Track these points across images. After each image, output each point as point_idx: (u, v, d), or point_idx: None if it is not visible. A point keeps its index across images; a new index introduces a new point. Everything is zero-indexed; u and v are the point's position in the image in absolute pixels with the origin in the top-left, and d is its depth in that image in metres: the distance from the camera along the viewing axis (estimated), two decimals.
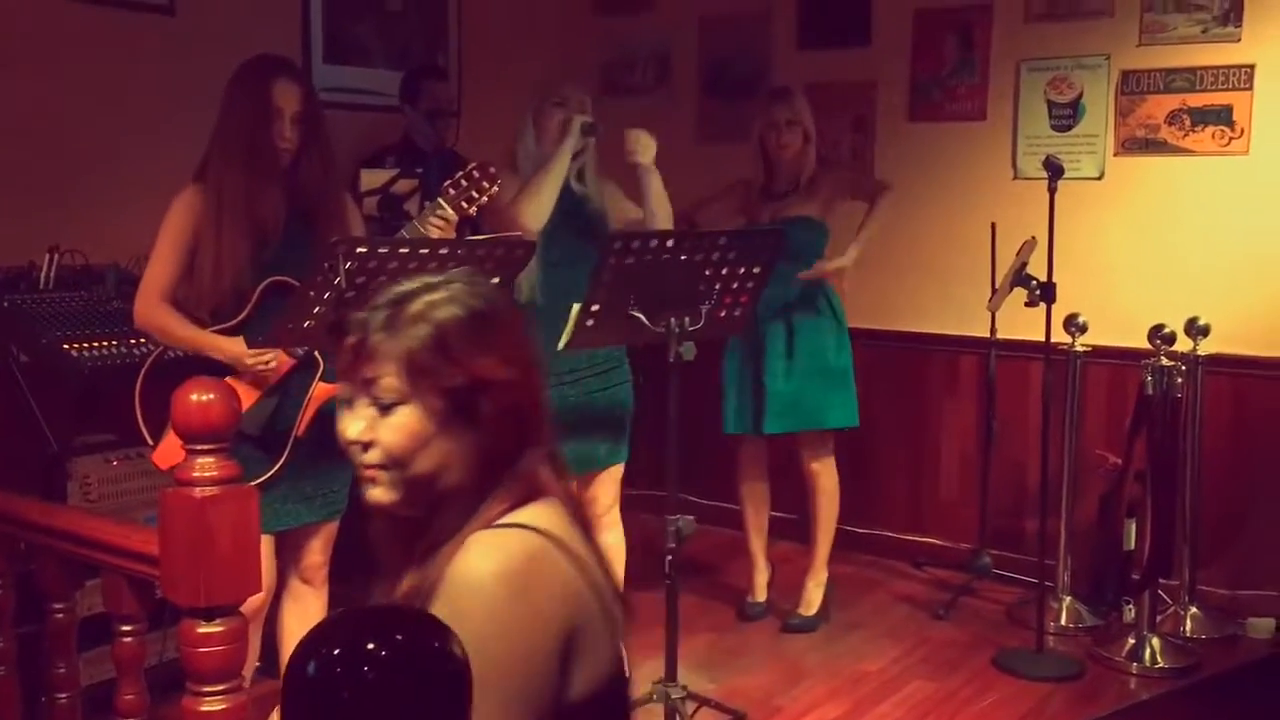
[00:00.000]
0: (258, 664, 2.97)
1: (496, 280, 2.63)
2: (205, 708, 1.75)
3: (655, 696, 3.10)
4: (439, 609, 1.30)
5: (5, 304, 3.13)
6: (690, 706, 3.15)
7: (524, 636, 1.32)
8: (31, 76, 3.47)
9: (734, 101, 5.08)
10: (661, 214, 3.35)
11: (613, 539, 3.46)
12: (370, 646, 0.92)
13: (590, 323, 2.86)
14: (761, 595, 4.20)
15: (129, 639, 1.97)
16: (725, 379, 4.01)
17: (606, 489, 3.45)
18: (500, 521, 1.40)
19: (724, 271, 2.94)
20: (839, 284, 3.98)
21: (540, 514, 1.43)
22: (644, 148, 3.38)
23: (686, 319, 2.93)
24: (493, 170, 2.83)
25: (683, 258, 2.85)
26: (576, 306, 2.85)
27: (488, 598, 1.32)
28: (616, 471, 3.46)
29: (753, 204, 3.97)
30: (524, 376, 1.47)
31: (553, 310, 3.07)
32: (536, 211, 3.15)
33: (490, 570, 1.34)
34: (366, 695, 0.89)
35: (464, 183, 2.79)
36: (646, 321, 2.89)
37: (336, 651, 0.92)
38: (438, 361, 1.40)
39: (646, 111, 5.23)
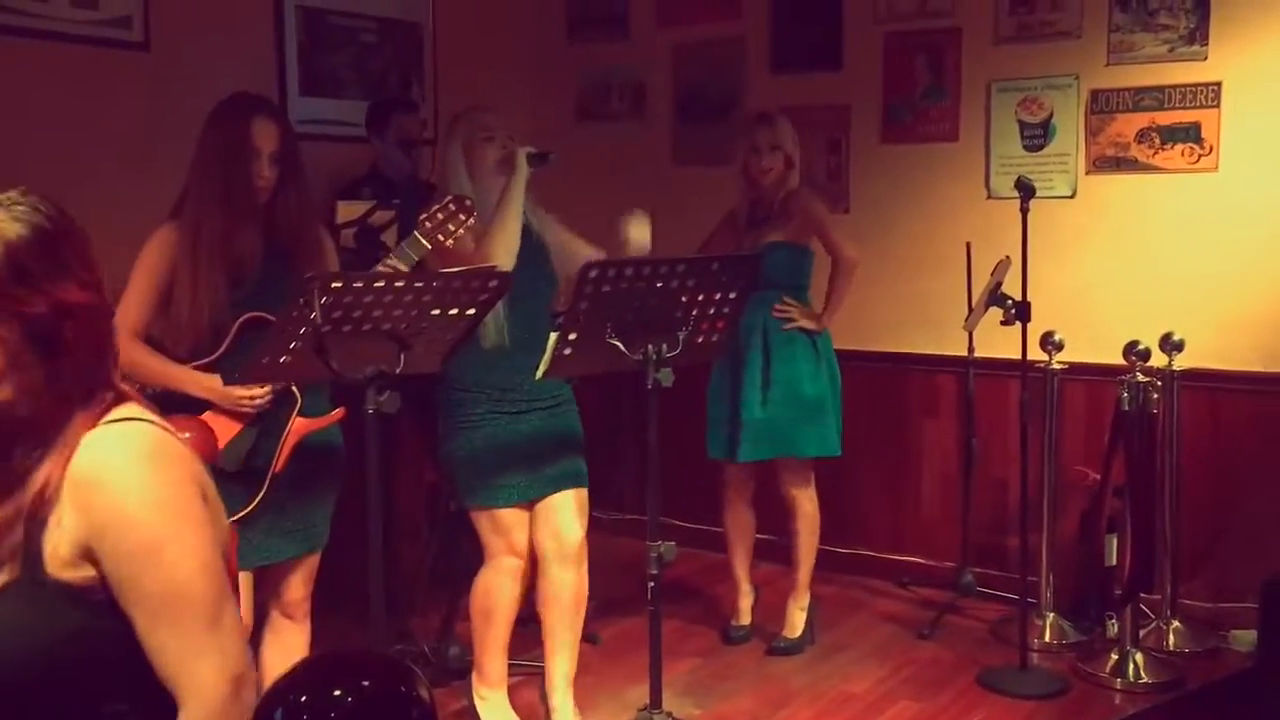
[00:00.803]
0: None
1: (472, 313, 2.65)
2: None
3: None
4: (76, 514, 1.35)
5: None
6: None
7: (182, 491, 1.40)
8: (6, 113, 3.47)
9: (709, 126, 5.12)
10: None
11: (581, 574, 3.34)
12: (337, 694, 0.92)
13: (568, 351, 2.86)
14: (746, 619, 4.21)
15: None
16: (710, 405, 4.03)
17: (575, 515, 3.32)
18: (106, 420, 1.43)
19: (700, 297, 2.94)
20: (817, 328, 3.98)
21: (136, 410, 1.46)
22: (638, 239, 3.27)
23: (664, 345, 2.93)
24: (468, 203, 2.83)
25: (659, 285, 2.86)
26: (554, 336, 2.85)
27: (137, 475, 1.38)
28: (580, 498, 3.34)
29: (738, 233, 3.99)
30: (100, 298, 1.48)
31: (520, 345, 3.07)
32: (507, 250, 3.09)
33: (126, 453, 1.39)
34: None
35: (439, 215, 2.80)
36: (624, 349, 2.89)
37: (304, 699, 0.92)
38: (13, 289, 1.37)
39: (622, 138, 5.29)
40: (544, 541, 3.34)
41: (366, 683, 0.96)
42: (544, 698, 3.43)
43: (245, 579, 2.64)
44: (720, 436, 4.01)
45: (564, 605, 3.33)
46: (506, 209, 3.14)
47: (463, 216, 2.81)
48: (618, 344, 2.88)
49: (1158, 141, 4.20)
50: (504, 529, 3.29)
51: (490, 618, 3.35)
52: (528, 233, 3.27)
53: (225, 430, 2.62)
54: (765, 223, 3.95)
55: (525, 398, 3.25)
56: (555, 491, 3.32)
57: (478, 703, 3.42)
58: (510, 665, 3.46)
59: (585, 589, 3.38)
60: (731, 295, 3.00)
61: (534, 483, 3.29)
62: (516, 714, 3.43)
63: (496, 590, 3.33)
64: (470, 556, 4.21)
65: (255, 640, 2.87)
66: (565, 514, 3.32)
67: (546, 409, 3.31)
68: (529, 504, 3.32)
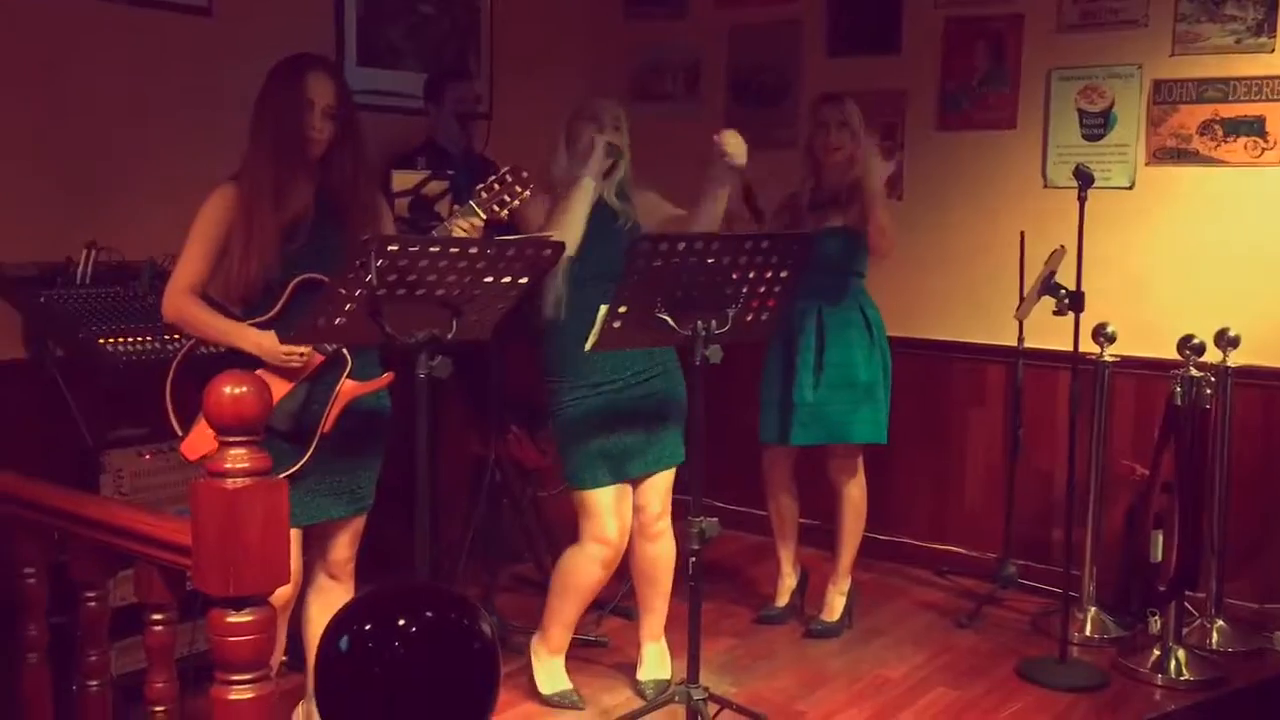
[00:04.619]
0: (283, 658, 3.00)
1: (524, 281, 2.66)
2: (234, 696, 1.76)
3: (677, 698, 3.12)
4: None
5: (42, 299, 3.19)
6: (712, 708, 3.15)
7: None
8: (70, 76, 3.53)
9: (763, 109, 5.09)
10: (705, 221, 3.26)
11: (662, 548, 3.48)
12: (401, 623, 0.94)
13: (617, 324, 2.87)
14: (782, 601, 4.20)
15: (160, 628, 2.00)
16: (764, 388, 4.01)
17: (658, 492, 3.42)
18: None
19: (751, 275, 2.94)
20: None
21: None
22: (739, 151, 3.23)
23: (713, 322, 2.93)
24: (525, 174, 2.84)
25: (710, 261, 2.86)
26: (604, 308, 2.87)
27: None
28: (667, 477, 3.43)
29: (799, 215, 3.95)
30: None
31: (577, 326, 3.08)
32: (569, 235, 3.12)
33: None
34: (397, 670, 0.90)
35: (496, 186, 2.81)
36: (673, 324, 2.90)
37: (368, 627, 0.94)
38: None
39: (676, 118, 5.27)
40: (634, 517, 3.42)
41: (430, 613, 0.98)
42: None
43: (295, 536, 2.67)
44: (771, 420, 3.99)
45: (647, 576, 3.51)
46: (574, 195, 3.19)
47: (519, 188, 2.82)
48: (667, 319, 2.89)
49: (1220, 134, 4.13)
50: (590, 512, 3.32)
51: (566, 595, 3.42)
52: (613, 220, 3.29)
53: (278, 388, 2.65)
54: (829, 205, 3.89)
55: (613, 375, 3.28)
56: (655, 471, 3.38)
57: (535, 663, 3.49)
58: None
59: (671, 557, 3.49)
60: (783, 274, 3.00)
61: (629, 464, 3.33)
62: (569, 680, 3.49)
63: (579, 572, 3.38)
64: (511, 528, 4.25)
65: (301, 598, 2.91)
66: (651, 493, 3.41)
67: (639, 383, 3.32)
68: (626, 483, 3.36)
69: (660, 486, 3.43)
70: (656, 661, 3.57)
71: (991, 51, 4.57)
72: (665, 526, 3.46)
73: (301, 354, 2.68)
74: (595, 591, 3.46)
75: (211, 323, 2.70)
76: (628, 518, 3.37)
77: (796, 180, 3.99)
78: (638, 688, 3.54)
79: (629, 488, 3.38)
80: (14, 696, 2.36)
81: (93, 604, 2.17)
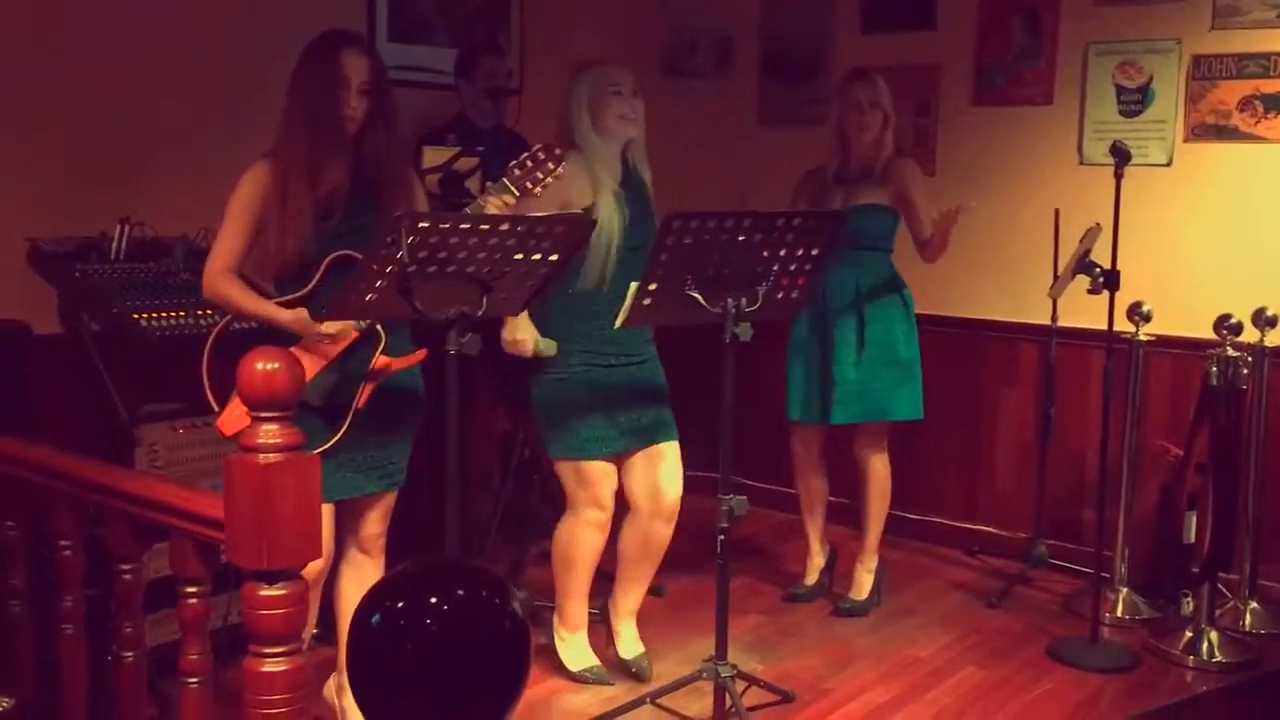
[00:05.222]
0: (314, 630, 3.03)
1: (555, 258, 2.66)
2: (266, 668, 1.79)
3: (705, 674, 3.12)
4: None
5: (77, 274, 3.21)
6: (739, 686, 3.16)
7: None
8: (104, 54, 3.54)
9: (795, 85, 5.05)
10: None
11: (671, 529, 3.44)
12: (433, 601, 0.95)
13: (647, 301, 2.87)
14: (810, 579, 4.20)
15: (194, 600, 2.03)
16: (791, 367, 3.97)
17: (672, 471, 3.39)
18: None
19: (782, 253, 2.93)
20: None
21: None
22: None
23: (744, 300, 2.92)
24: (558, 152, 2.83)
25: (740, 238, 2.85)
26: (634, 285, 2.86)
27: None
28: (675, 451, 3.40)
29: (826, 190, 3.91)
30: None
31: (619, 297, 3.07)
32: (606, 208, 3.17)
33: None
34: (428, 647, 0.91)
35: (529, 164, 2.80)
36: (704, 302, 2.89)
37: (400, 605, 0.94)
38: None
39: (708, 94, 5.25)
40: (640, 496, 3.41)
41: (461, 591, 0.98)
42: (608, 622, 3.56)
43: (327, 511, 2.69)
44: (807, 399, 3.94)
45: (648, 554, 3.47)
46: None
47: (551, 165, 2.81)
48: (697, 296, 2.89)
49: (1261, 110, 4.07)
50: (589, 481, 3.32)
51: (572, 567, 3.42)
52: (643, 188, 3.29)
53: (311, 365, 2.67)
54: (861, 181, 3.86)
55: (616, 351, 3.27)
56: (649, 445, 3.35)
57: (559, 644, 3.50)
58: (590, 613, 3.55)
59: (668, 541, 3.46)
60: (814, 252, 2.98)
61: (624, 435, 3.32)
62: (595, 655, 3.50)
63: (579, 541, 3.38)
64: (540, 505, 4.27)
65: (333, 572, 2.94)
66: (663, 470, 3.38)
67: (635, 364, 3.33)
68: (617, 457, 3.35)
69: (674, 468, 3.39)
70: (633, 638, 3.55)
71: (1028, 26, 4.51)
72: (678, 510, 3.44)
73: (333, 333, 2.69)
74: (598, 558, 3.45)
75: (248, 303, 2.73)
76: (615, 484, 3.37)
77: (824, 155, 3.95)
78: (626, 668, 3.50)
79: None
80: (51, 667, 2.39)
81: (128, 577, 2.20)
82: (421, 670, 0.92)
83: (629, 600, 3.54)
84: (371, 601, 0.98)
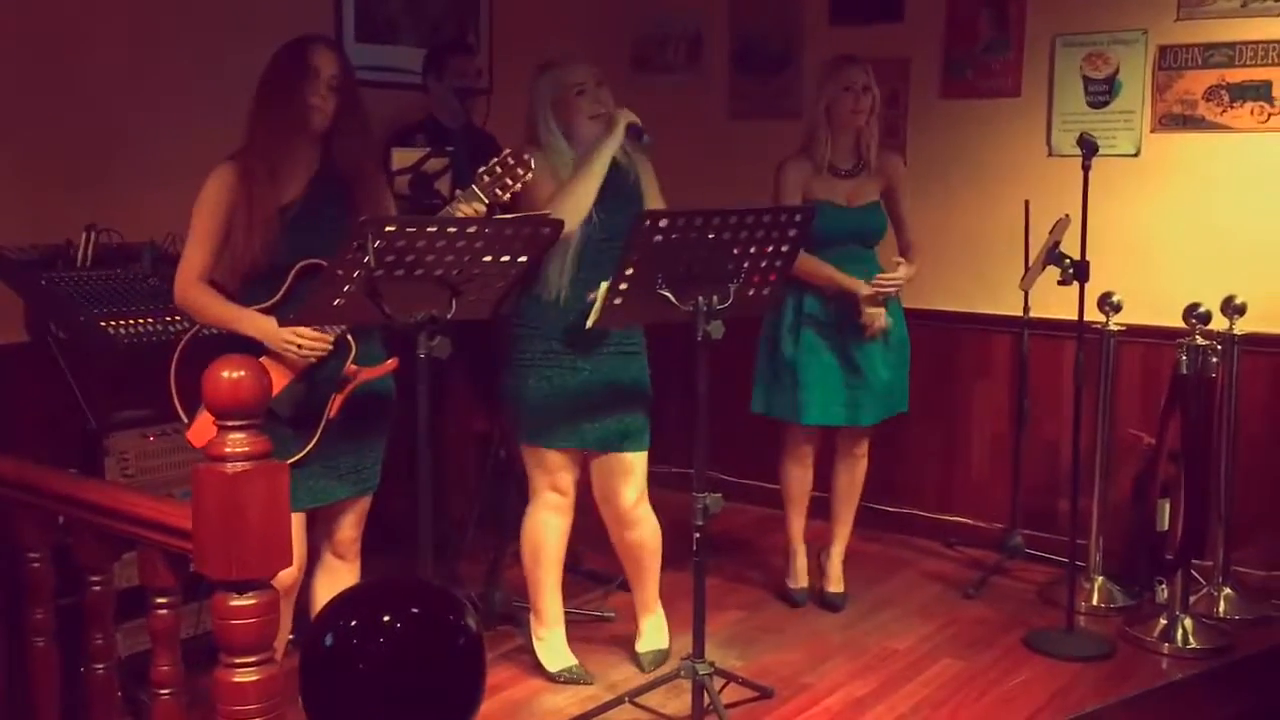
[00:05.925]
0: (290, 636, 3.02)
1: (523, 260, 2.65)
2: (238, 678, 1.77)
3: (682, 672, 3.12)
4: None
5: (43, 282, 3.18)
6: (717, 683, 3.17)
7: None
8: (67, 58, 3.51)
9: (765, 78, 5.06)
10: None
11: (644, 532, 3.46)
12: (386, 619, 0.94)
13: (618, 301, 2.87)
14: (804, 580, 4.13)
15: (164, 611, 2.01)
16: (805, 371, 3.80)
17: (627, 480, 3.38)
18: None
19: (753, 250, 2.93)
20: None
21: None
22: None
23: (715, 297, 2.92)
24: (526, 157, 2.81)
25: (710, 236, 2.84)
26: (604, 285, 2.85)
27: None
28: (637, 463, 3.39)
29: (817, 182, 3.78)
30: None
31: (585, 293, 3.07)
32: (575, 209, 3.10)
33: None
34: (382, 667, 0.90)
35: (498, 170, 2.78)
36: (675, 300, 2.89)
37: (354, 624, 0.93)
38: None
39: (678, 89, 5.24)
40: (599, 500, 3.43)
41: (416, 609, 0.98)
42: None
43: (298, 519, 2.67)
44: (826, 402, 3.81)
45: (633, 559, 3.51)
46: (586, 174, 3.14)
47: (520, 171, 2.79)
48: (668, 295, 2.88)
49: (1227, 99, 4.10)
50: (550, 468, 3.33)
51: (538, 556, 3.42)
52: (624, 176, 3.26)
53: (280, 375, 2.64)
54: (855, 175, 3.82)
55: (588, 341, 3.24)
56: (612, 451, 3.35)
57: (536, 644, 3.49)
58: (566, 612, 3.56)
59: (655, 537, 3.48)
60: (784, 249, 2.98)
61: (590, 433, 3.31)
62: (573, 655, 3.49)
63: (542, 526, 3.39)
64: (517, 504, 4.25)
65: (308, 578, 2.92)
66: (618, 480, 3.38)
67: (613, 353, 3.31)
68: (581, 453, 3.34)
69: (631, 473, 3.37)
70: (655, 632, 3.59)
71: (995, 18, 4.52)
72: (644, 512, 3.44)
73: (300, 345, 2.66)
74: (564, 546, 3.44)
75: (218, 310, 2.70)
76: (578, 473, 3.38)
77: (799, 145, 3.86)
78: (637, 660, 3.56)
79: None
80: (22, 679, 2.37)
81: (97, 589, 2.18)
82: (374, 689, 0.92)
83: (639, 600, 3.58)
84: (324, 622, 0.97)
